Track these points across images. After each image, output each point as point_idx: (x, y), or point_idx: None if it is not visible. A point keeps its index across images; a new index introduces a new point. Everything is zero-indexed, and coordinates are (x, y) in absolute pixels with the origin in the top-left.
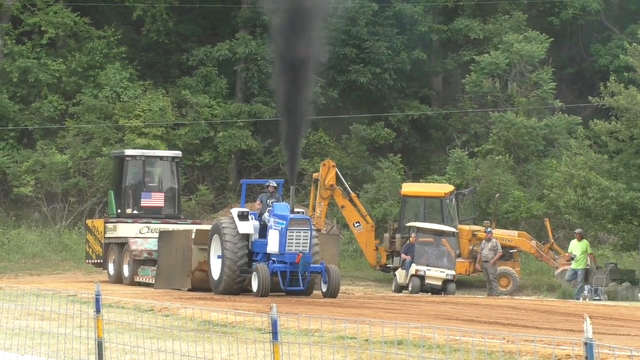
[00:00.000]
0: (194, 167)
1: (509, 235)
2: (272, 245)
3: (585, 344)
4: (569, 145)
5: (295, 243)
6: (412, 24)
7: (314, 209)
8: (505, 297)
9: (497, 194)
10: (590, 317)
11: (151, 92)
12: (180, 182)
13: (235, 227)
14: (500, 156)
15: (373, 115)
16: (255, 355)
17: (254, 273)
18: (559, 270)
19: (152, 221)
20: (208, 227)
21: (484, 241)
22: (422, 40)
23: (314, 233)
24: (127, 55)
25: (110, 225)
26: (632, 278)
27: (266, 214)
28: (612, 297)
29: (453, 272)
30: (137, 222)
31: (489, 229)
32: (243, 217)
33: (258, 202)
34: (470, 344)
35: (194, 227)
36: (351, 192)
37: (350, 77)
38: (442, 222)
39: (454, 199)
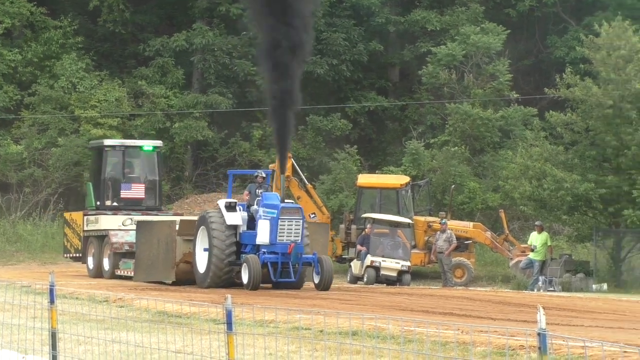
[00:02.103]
0: None
1: (464, 226)
2: (262, 235)
3: (539, 334)
4: (524, 137)
5: (287, 233)
6: (369, 15)
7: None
8: (460, 288)
9: (453, 185)
10: (544, 308)
11: (107, 83)
12: (161, 173)
13: (223, 218)
14: (456, 147)
15: (330, 106)
16: (209, 346)
17: (244, 264)
18: (513, 262)
19: (132, 213)
20: (193, 218)
21: (438, 232)
22: (379, 32)
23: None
24: (84, 45)
25: (91, 218)
26: (586, 269)
27: (255, 205)
28: (566, 288)
29: (408, 263)
30: (117, 214)
31: (443, 220)
32: (231, 207)
33: (246, 192)
34: (424, 335)
35: (177, 218)
36: (307, 183)
37: (307, 68)
38: (398, 213)
39: (409, 190)
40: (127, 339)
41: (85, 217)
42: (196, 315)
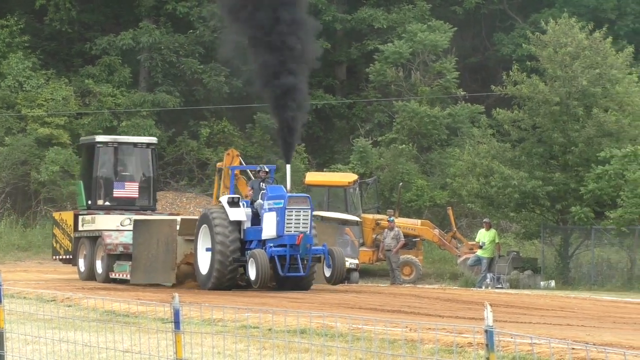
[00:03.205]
0: None
1: (412, 223)
2: (268, 229)
3: (486, 331)
4: (472, 134)
5: (295, 223)
6: (316, 13)
7: (217, 198)
8: (408, 285)
9: (401, 183)
10: (492, 305)
11: (54, 82)
12: (155, 171)
13: (226, 215)
14: (404, 145)
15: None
16: (157, 345)
17: (251, 260)
18: (461, 259)
19: (126, 213)
20: (194, 217)
21: (386, 230)
22: (326, 30)
23: None
24: (30, 44)
25: (87, 218)
26: (534, 266)
27: (259, 200)
28: (514, 285)
29: (356, 261)
30: (110, 214)
31: (391, 218)
32: (234, 203)
33: (249, 188)
34: (372, 333)
35: (179, 217)
36: None
37: (253, 66)
38: (346, 211)
39: (357, 188)
40: (75, 338)
41: (81, 217)
42: (144, 315)
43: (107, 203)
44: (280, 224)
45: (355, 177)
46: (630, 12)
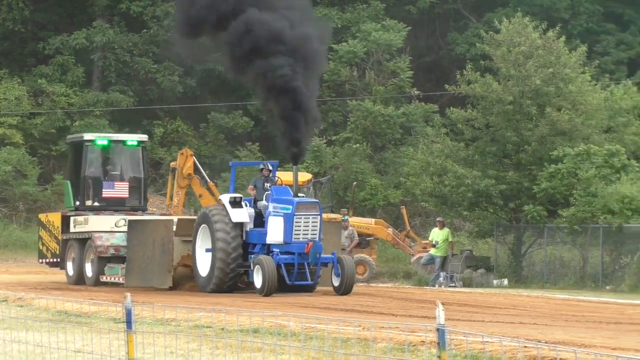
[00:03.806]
0: (49, 156)
1: (366, 222)
2: (274, 234)
3: (438, 330)
4: (425, 134)
5: (304, 230)
6: None
7: (171, 198)
8: (362, 284)
9: (355, 182)
10: (445, 304)
11: (6, 81)
12: (146, 170)
13: (228, 215)
14: (358, 144)
15: (231, 104)
16: (109, 345)
17: (257, 267)
18: (415, 258)
19: (115, 214)
20: (191, 217)
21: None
22: None
23: None
24: None
25: (79, 219)
26: (487, 265)
27: (263, 200)
28: (467, 283)
29: None
30: (100, 215)
31: (345, 217)
32: (236, 203)
33: (251, 186)
34: (325, 332)
35: (175, 217)
36: (209, 180)
37: (208, 66)
38: None
39: (311, 187)
40: (27, 338)
41: (72, 219)
42: (97, 315)
43: (96, 203)
44: (288, 230)
45: (309, 176)
46: (583, 12)
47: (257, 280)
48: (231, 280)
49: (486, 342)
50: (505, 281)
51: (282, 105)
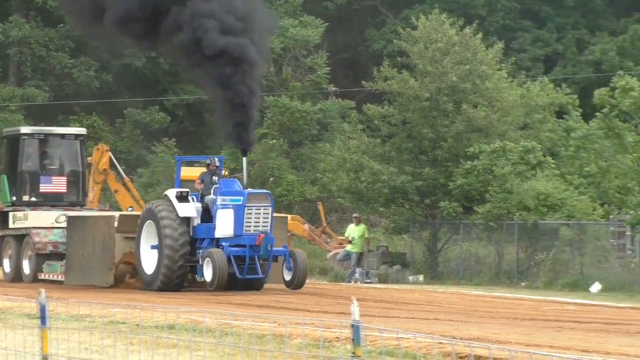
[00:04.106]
0: None
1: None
2: (224, 227)
3: (352, 326)
4: (342, 130)
5: (255, 222)
6: None
7: (86, 194)
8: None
9: (271, 178)
10: (361, 300)
11: None
12: (85, 165)
13: (174, 210)
14: (275, 140)
15: (148, 99)
16: (24, 341)
17: (207, 259)
18: (331, 254)
19: (53, 209)
20: (133, 212)
21: None
22: None
23: None
24: None
25: (18, 214)
26: (403, 261)
27: (211, 194)
28: (383, 279)
29: None
30: (37, 210)
31: None
32: (182, 198)
33: (199, 181)
34: (241, 328)
35: (116, 213)
36: (125, 176)
37: (125, 61)
38: None
39: None
40: None
41: (11, 214)
42: (11, 310)
43: (33, 199)
44: (239, 222)
45: (226, 172)
46: (500, 9)
47: (207, 274)
48: (178, 278)
49: (401, 338)
50: (421, 277)
51: (230, 96)
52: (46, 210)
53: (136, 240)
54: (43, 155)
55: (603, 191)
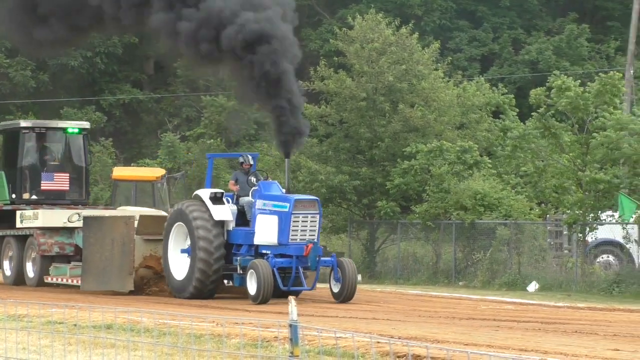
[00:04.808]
0: None
1: None
2: (265, 234)
3: (290, 326)
4: None
5: (301, 231)
6: None
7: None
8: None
9: None
10: (300, 300)
11: None
12: (88, 160)
13: (208, 213)
14: (212, 140)
15: (84, 99)
16: None
17: (250, 271)
18: None
19: (55, 208)
20: (155, 213)
21: None
22: None
23: None
24: None
25: (27, 213)
26: None
27: (249, 196)
28: (321, 279)
29: None
30: (39, 209)
31: None
32: (217, 199)
33: (233, 181)
34: (179, 328)
35: (136, 213)
36: None
37: (62, 61)
38: (153, 205)
39: (165, 183)
40: None
41: (19, 213)
42: None
43: (33, 197)
44: (284, 230)
45: (163, 171)
46: (436, 8)
47: (251, 287)
48: (212, 284)
49: (339, 337)
50: (359, 277)
51: (273, 98)
52: (59, 209)
53: (163, 243)
54: (44, 150)
55: (540, 191)
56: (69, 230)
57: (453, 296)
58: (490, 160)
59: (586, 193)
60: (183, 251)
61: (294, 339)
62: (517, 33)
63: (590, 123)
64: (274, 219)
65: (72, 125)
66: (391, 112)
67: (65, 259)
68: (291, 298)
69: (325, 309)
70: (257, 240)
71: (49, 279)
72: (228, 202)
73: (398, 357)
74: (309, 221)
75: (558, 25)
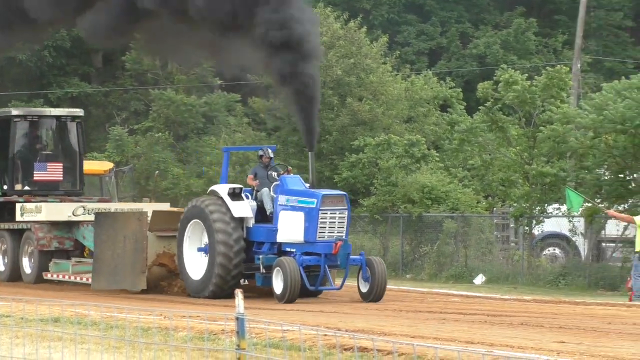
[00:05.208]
0: None
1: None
2: (290, 232)
3: (237, 318)
4: (228, 123)
5: (329, 228)
6: None
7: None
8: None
9: (157, 171)
10: (247, 293)
11: None
12: (82, 149)
13: (227, 209)
14: (160, 133)
15: (32, 92)
16: None
17: (277, 269)
18: None
19: (49, 199)
20: (169, 208)
21: None
22: None
23: None
24: None
25: (29, 206)
26: None
27: (268, 191)
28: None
29: None
30: (43, 202)
31: None
32: (235, 195)
33: (251, 176)
34: (126, 321)
35: (148, 208)
36: None
37: (10, 54)
38: None
39: (113, 177)
40: None
41: (19, 205)
42: None
43: (26, 187)
44: (312, 228)
45: (111, 165)
46: (384, 2)
47: (277, 286)
48: (234, 280)
49: (286, 330)
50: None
51: (297, 91)
52: (53, 200)
53: (178, 241)
54: (36, 139)
55: (487, 184)
56: (68, 224)
57: (400, 289)
58: (437, 154)
59: (533, 186)
60: (200, 249)
61: (240, 332)
62: (465, 27)
63: (537, 117)
64: (300, 215)
65: (66, 113)
66: (339, 105)
67: (64, 254)
68: (238, 291)
69: (273, 302)
70: (281, 238)
71: (48, 276)
72: (247, 197)
73: (345, 349)
74: (337, 217)
75: (506, 19)
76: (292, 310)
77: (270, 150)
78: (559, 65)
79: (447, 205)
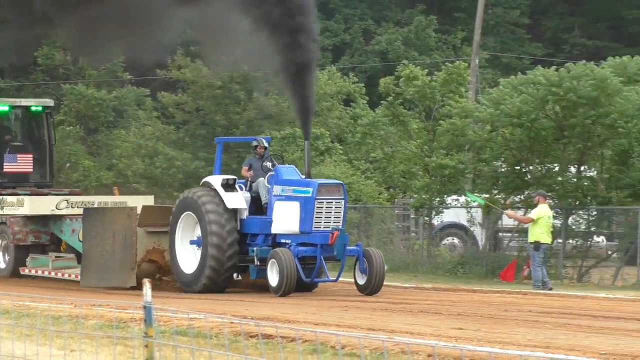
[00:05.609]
0: None
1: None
2: (285, 223)
3: (144, 307)
4: (137, 117)
5: (326, 218)
6: None
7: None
8: None
9: (68, 164)
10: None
11: None
12: (53, 140)
13: (220, 201)
14: (72, 127)
15: None
16: None
17: (272, 261)
18: None
19: (19, 192)
20: (160, 204)
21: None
22: None
23: None
24: None
25: (10, 199)
26: None
27: (263, 181)
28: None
29: None
30: (2, 194)
31: None
32: (229, 186)
33: (246, 167)
34: (37, 309)
35: (137, 204)
36: None
37: None
38: None
39: None
40: None
41: (1, 198)
42: None
43: None
44: (307, 218)
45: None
46: None
47: (273, 278)
48: (227, 273)
49: (193, 318)
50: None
51: (295, 80)
52: (22, 192)
53: (170, 235)
54: (5, 130)
55: (388, 176)
56: (43, 218)
57: None
58: (341, 147)
59: (432, 178)
60: (192, 242)
61: (148, 320)
62: (367, 24)
63: (436, 111)
64: (295, 205)
65: (35, 103)
66: (246, 100)
67: (39, 248)
68: (145, 280)
69: (181, 290)
70: (275, 229)
71: (25, 271)
72: (241, 189)
73: (250, 336)
74: (333, 207)
75: (407, 16)
76: (201, 299)
77: (264, 141)
78: (458, 61)
79: (350, 196)
